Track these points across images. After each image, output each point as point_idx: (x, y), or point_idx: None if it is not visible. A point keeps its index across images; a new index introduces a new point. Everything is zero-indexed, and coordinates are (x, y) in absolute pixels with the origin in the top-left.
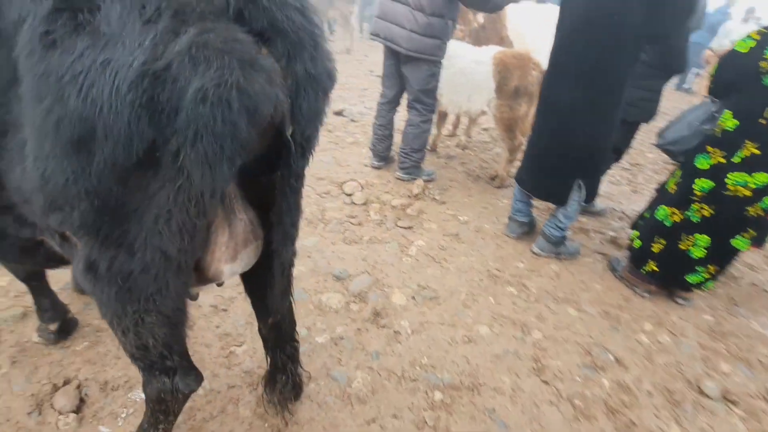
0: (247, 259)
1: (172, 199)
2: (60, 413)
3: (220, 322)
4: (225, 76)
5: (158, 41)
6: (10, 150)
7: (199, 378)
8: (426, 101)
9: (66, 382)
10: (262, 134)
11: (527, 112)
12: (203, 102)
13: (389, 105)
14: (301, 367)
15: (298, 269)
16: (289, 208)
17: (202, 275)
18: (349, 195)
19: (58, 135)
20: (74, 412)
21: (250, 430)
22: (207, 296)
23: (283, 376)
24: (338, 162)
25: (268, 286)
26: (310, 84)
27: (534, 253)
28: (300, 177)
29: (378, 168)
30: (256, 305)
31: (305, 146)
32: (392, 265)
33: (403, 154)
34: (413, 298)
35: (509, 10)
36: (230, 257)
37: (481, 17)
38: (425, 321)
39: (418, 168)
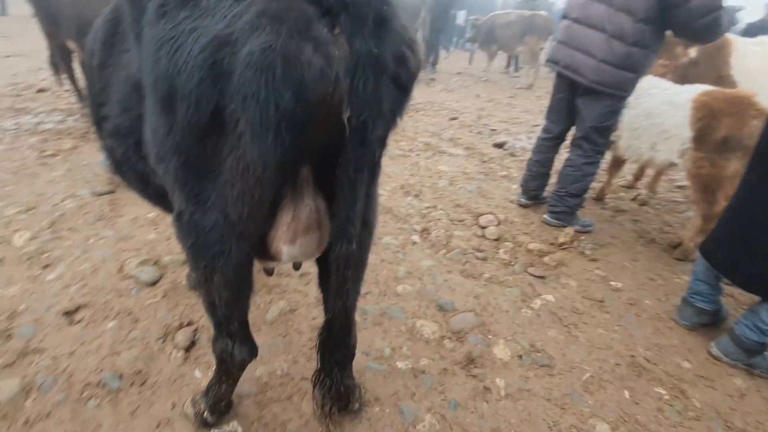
0: (306, 246)
1: (235, 166)
2: (175, 348)
3: (318, 314)
4: (272, 42)
5: (237, 12)
6: (145, 109)
7: (253, 351)
8: (597, 140)
9: (188, 324)
10: (320, 114)
11: (737, 170)
12: (249, 66)
13: (552, 141)
14: (352, 379)
15: (404, 288)
16: (346, 200)
17: (265, 251)
18: (483, 228)
19: (155, 93)
20: (185, 350)
21: (304, 427)
22: (314, 288)
23: (328, 380)
24: (482, 193)
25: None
26: (370, 64)
27: (712, 355)
28: (359, 169)
29: (524, 206)
30: (323, 300)
31: (363, 133)
32: (506, 312)
33: (557, 197)
34: (520, 357)
35: (737, 43)
36: (289, 239)
37: (693, 51)
38: (527, 389)
39: (572, 215)
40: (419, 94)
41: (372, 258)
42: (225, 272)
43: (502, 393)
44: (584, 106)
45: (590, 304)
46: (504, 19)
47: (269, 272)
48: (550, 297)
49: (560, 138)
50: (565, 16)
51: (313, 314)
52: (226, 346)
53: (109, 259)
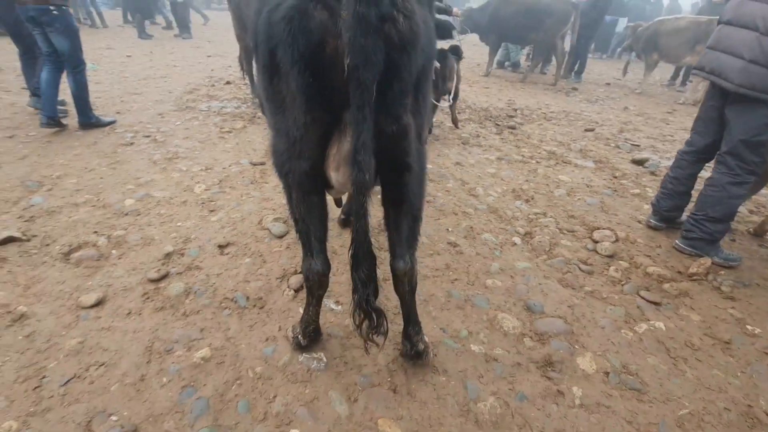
0: (348, 174)
1: (288, 99)
2: (288, 287)
3: None
4: (295, 2)
5: None
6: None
7: (325, 266)
8: (746, 157)
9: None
10: (328, 58)
11: None
12: (282, 19)
13: (695, 156)
14: (418, 334)
15: (494, 282)
16: (353, 132)
17: (323, 179)
18: (596, 242)
19: (248, 47)
20: (295, 291)
21: (375, 375)
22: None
23: (360, 308)
24: (604, 208)
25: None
26: (364, 22)
27: None
28: (360, 107)
29: (654, 228)
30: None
31: (357, 75)
32: (602, 328)
33: (693, 220)
34: (606, 374)
35: None
36: (335, 167)
37: None
38: (606, 405)
39: (711, 244)
40: (553, 102)
41: (467, 248)
42: (297, 189)
43: (577, 402)
44: (734, 117)
45: (712, 343)
46: (671, 25)
47: (337, 203)
48: (660, 325)
49: (704, 153)
50: (719, 21)
51: None
52: (308, 263)
53: (254, 212)
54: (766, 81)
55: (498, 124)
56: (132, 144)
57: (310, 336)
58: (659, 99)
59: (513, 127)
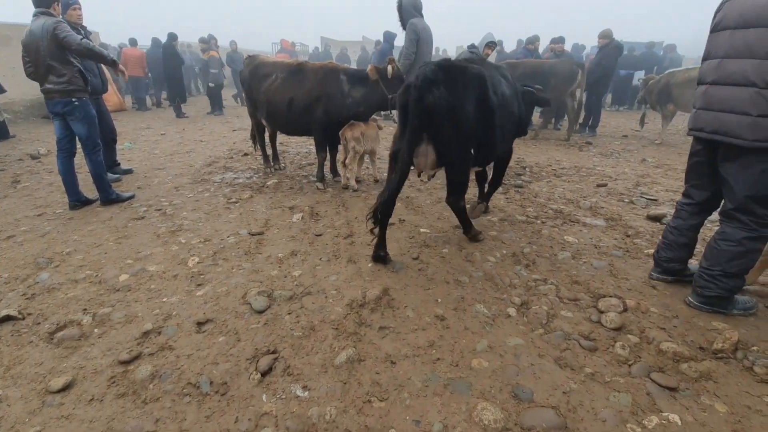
0: (422, 161)
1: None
2: (256, 369)
3: (382, 370)
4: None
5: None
6: None
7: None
8: (758, 212)
9: (272, 352)
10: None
11: None
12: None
13: (695, 207)
14: None
15: (480, 362)
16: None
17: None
18: (601, 312)
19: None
20: (262, 374)
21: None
22: (387, 343)
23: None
24: (613, 271)
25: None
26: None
27: None
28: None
29: (659, 280)
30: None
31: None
32: (603, 421)
33: (708, 276)
34: None
35: None
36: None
37: None
38: None
39: (728, 300)
40: (565, 158)
41: (455, 322)
42: (399, 171)
43: None
44: (733, 173)
45: None
46: (683, 76)
47: (419, 174)
48: (675, 418)
49: (705, 205)
50: (700, 82)
51: (377, 369)
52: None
53: (240, 285)
54: None
55: (504, 183)
56: (143, 218)
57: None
58: (681, 149)
59: (520, 186)
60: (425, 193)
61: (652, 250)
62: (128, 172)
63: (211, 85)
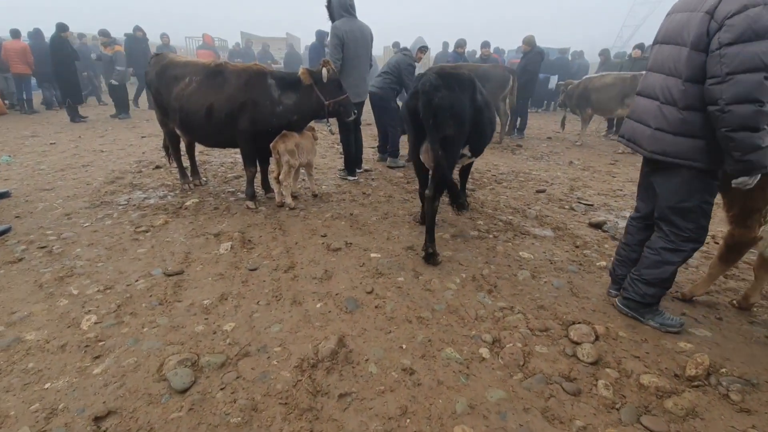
0: (426, 156)
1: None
2: None
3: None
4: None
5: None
6: None
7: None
8: (679, 224)
9: None
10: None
11: None
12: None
13: (642, 222)
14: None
15: (462, 430)
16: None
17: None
18: (575, 343)
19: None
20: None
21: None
22: (350, 414)
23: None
24: (574, 290)
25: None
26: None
27: None
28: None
29: (615, 297)
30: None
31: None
32: None
33: (630, 279)
34: None
35: None
36: (423, 152)
37: None
38: None
39: (647, 308)
40: (501, 162)
41: (426, 375)
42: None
43: None
44: (658, 183)
45: None
46: (599, 82)
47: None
48: None
49: (651, 219)
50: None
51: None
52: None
53: (154, 352)
54: (675, 146)
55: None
56: (20, 260)
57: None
58: (599, 150)
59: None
60: (369, 208)
61: (603, 263)
62: (4, 195)
63: (114, 83)
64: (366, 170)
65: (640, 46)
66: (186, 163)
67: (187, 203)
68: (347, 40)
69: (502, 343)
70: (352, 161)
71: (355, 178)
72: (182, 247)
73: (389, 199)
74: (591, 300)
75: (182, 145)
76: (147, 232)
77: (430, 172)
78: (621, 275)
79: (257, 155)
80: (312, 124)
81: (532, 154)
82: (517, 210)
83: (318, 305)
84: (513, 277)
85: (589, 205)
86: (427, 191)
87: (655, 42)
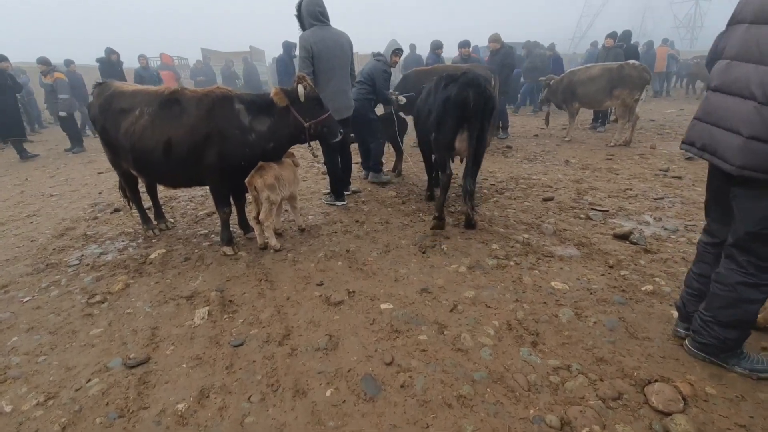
0: (461, 147)
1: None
2: None
3: None
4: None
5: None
6: None
7: (451, 172)
8: (760, 253)
9: None
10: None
11: None
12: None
13: (718, 248)
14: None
15: None
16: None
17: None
18: (662, 414)
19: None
20: None
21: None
22: None
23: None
24: (630, 330)
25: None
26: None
27: None
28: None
29: (683, 338)
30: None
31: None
32: None
33: (701, 321)
34: None
35: None
36: (457, 143)
37: None
38: None
39: (728, 352)
40: (496, 168)
41: None
42: (448, 152)
43: None
44: (739, 203)
45: None
46: (585, 74)
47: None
48: None
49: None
50: (707, 87)
51: None
52: (444, 174)
53: None
54: None
55: (451, 211)
56: None
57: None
58: (590, 144)
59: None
60: (367, 241)
61: (649, 287)
62: None
63: (62, 114)
64: (354, 191)
65: (612, 35)
66: (148, 203)
67: (152, 255)
68: (317, 51)
69: (574, 426)
70: (339, 184)
71: (344, 203)
72: (147, 321)
73: (386, 225)
74: (654, 342)
75: (143, 185)
76: (103, 302)
77: (465, 160)
78: (692, 312)
79: (230, 193)
80: (291, 148)
81: (525, 156)
82: (530, 225)
83: (328, 392)
84: (554, 319)
85: (604, 211)
86: (467, 186)
87: (738, 21)
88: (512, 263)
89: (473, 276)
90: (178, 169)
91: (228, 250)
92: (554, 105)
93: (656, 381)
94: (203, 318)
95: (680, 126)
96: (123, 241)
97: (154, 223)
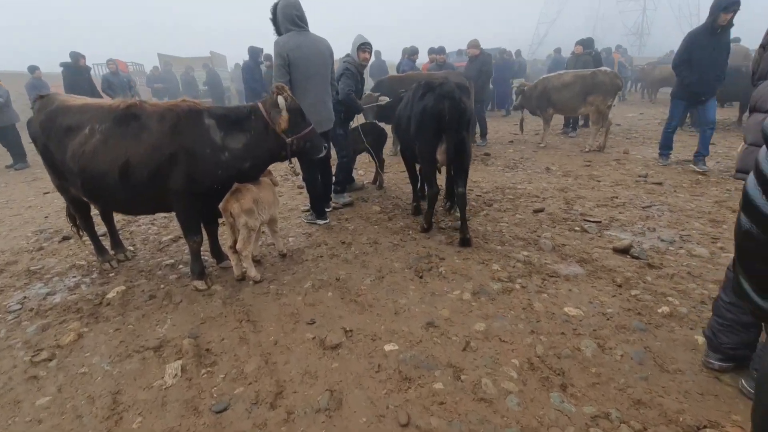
0: (442, 158)
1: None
2: None
3: None
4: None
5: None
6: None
7: (437, 189)
8: None
9: None
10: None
11: None
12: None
13: None
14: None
15: None
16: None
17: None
18: None
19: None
20: None
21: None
22: None
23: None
24: (659, 361)
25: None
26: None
27: None
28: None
29: (721, 370)
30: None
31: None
32: None
33: None
34: None
35: None
36: (438, 154)
37: None
38: None
39: None
40: (479, 177)
41: None
42: (431, 165)
43: None
44: None
45: None
46: (558, 81)
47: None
48: None
49: None
50: (755, 109)
51: None
52: (430, 190)
53: None
54: None
55: (442, 228)
56: None
57: (429, 224)
58: (566, 150)
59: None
60: (357, 265)
61: (665, 308)
62: None
63: None
64: (335, 207)
65: (582, 42)
66: (103, 229)
67: (110, 294)
68: (295, 59)
69: None
70: (320, 202)
71: (327, 221)
72: (107, 383)
73: (375, 246)
74: (686, 374)
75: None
76: (50, 360)
77: (454, 170)
78: (729, 345)
79: (201, 219)
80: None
81: (504, 164)
82: (527, 241)
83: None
84: (578, 353)
85: (597, 222)
86: (459, 189)
87: None
88: (518, 286)
89: (479, 304)
90: (139, 195)
91: (200, 284)
92: (529, 111)
93: (705, 427)
94: (176, 375)
95: (645, 130)
96: (74, 277)
97: (111, 253)
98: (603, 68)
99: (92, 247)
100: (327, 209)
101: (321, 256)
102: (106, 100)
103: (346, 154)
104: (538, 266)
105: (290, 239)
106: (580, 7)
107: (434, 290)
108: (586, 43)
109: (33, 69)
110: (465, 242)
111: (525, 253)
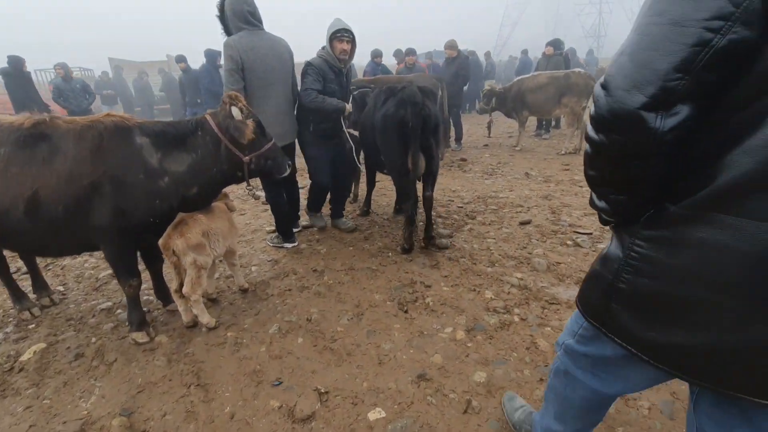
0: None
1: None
2: None
3: None
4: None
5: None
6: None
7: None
8: None
9: None
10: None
11: None
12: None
13: None
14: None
15: None
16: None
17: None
18: None
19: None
20: None
21: None
22: None
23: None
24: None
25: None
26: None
27: None
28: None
29: None
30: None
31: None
32: None
33: None
34: None
35: None
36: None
37: None
38: None
39: None
40: (458, 185)
41: None
42: (402, 176)
43: None
44: None
45: None
46: (533, 82)
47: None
48: None
49: None
50: None
51: None
52: (408, 203)
53: None
54: None
55: (423, 246)
56: None
57: (410, 243)
58: (541, 153)
59: (445, 247)
60: (332, 300)
61: None
62: None
63: None
64: (305, 227)
65: (552, 43)
66: (20, 270)
67: (25, 356)
68: (249, 62)
69: None
70: (287, 222)
71: (295, 243)
72: None
73: (351, 273)
74: None
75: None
76: None
77: (423, 178)
78: None
79: (136, 258)
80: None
81: (482, 169)
82: (519, 260)
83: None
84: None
85: (588, 234)
86: (426, 192)
87: None
88: (516, 318)
89: (476, 344)
90: (53, 235)
91: (140, 336)
92: (503, 113)
93: None
94: None
95: None
96: None
97: (33, 298)
98: (577, 69)
99: (7, 292)
100: (295, 229)
101: (289, 290)
102: (5, 117)
103: (323, 179)
104: (535, 291)
105: (253, 269)
106: (541, 9)
107: (422, 328)
108: (556, 44)
109: None
110: (429, 240)
111: (518, 275)
